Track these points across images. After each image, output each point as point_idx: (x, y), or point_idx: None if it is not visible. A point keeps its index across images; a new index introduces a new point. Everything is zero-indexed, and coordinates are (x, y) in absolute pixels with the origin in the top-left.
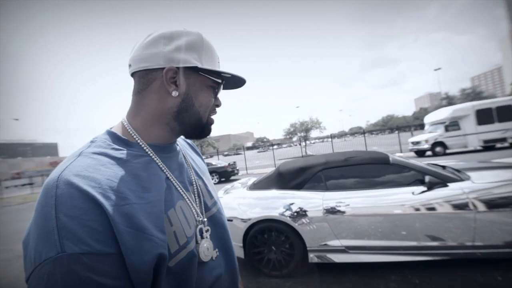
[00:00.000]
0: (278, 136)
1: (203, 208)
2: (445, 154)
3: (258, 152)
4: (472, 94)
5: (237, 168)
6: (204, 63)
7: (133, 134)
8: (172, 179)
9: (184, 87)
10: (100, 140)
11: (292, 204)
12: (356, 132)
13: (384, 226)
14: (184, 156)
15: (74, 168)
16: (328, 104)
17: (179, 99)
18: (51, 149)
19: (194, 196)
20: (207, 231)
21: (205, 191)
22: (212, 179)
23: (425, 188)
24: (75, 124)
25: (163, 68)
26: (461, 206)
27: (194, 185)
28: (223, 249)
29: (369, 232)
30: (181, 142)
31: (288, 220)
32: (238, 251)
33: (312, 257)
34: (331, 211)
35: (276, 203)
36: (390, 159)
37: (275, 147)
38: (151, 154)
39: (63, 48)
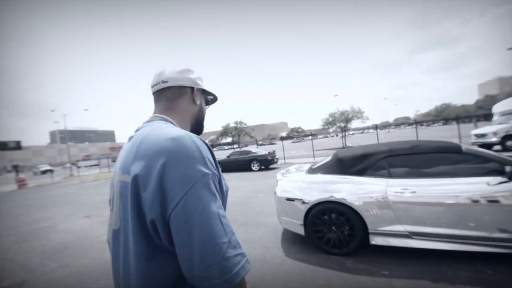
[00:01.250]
0: (313, 126)
1: None
2: None
3: (293, 142)
4: None
5: (277, 157)
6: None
7: (177, 126)
8: None
9: (199, 100)
10: (169, 123)
11: (354, 188)
12: (402, 122)
13: (453, 215)
14: None
15: (187, 132)
16: (370, 92)
17: (198, 107)
18: (109, 136)
19: None
20: None
21: None
22: (253, 166)
23: (504, 179)
24: (128, 115)
25: (191, 87)
26: None
27: None
28: None
29: (436, 220)
30: None
31: (352, 203)
32: (299, 229)
33: (374, 239)
34: (396, 197)
35: (338, 187)
36: (463, 148)
37: (310, 137)
38: None
39: (129, 47)
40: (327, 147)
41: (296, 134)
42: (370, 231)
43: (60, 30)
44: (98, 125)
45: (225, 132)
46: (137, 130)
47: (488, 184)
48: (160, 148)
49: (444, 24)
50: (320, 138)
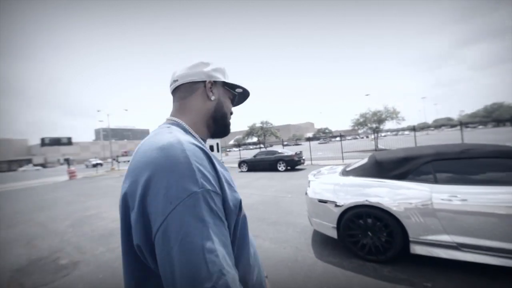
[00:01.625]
0: (341, 127)
1: None
2: None
3: (319, 143)
4: None
5: (303, 157)
6: (227, 80)
7: (187, 128)
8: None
9: (217, 95)
10: (174, 127)
11: (394, 193)
12: (443, 124)
13: (509, 227)
14: None
15: (183, 137)
16: (406, 91)
17: (214, 103)
18: (145, 134)
19: None
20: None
21: None
22: (279, 166)
23: None
24: (159, 114)
25: (204, 81)
26: None
27: None
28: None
29: (489, 231)
30: None
31: (390, 208)
32: (331, 231)
33: (415, 249)
34: (442, 204)
35: (375, 190)
36: None
37: (337, 139)
38: (203, 143)
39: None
40: (357, 149)
41: (323, 135)
42: (411, 239)
43: (101, 37)
44: (135, 123)
45: (251, 132)
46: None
47: None
48: (147, 160)
49: (498, 12)
50: (348, 139)
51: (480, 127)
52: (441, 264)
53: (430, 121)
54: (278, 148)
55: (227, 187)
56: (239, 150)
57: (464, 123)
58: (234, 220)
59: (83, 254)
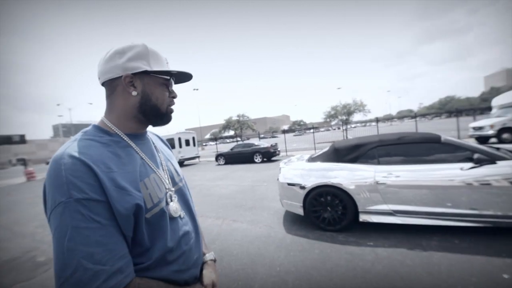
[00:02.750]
0: (315, 119)
1: (171, 182)
2: None
3: (294, 135)
4: None
5: (279, 149)
6: (153, 67)
7: (112, 127)
8: (145, 159)
9: (140, 87)
10: (89, 131)
11: (348, 174)
12: (405, 115)
13: (432, 195)
14: (154, 145)
15: (74, 147)
16: (373, 84)
17: (138, 97)
18: None
19: (164, 172)
20: (175, 197)
21: (174, 171)
22: (256, 158)
23: (473, 165)
24: None
25: (121, 76)
26: (507, 182)
27: (164, 165)
28: (188, 213)
29: (416, 200)
30: (153, 136)
31: (345, 187)
32: (299, 210)
33: (363, 217)
34: (382, 181)
35: (334, 173)
36: (442, 138)
37: (312, 131)
38: (127, 141)
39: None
40: (329, 140)
41: (298, 127)
42: (359, 210)
43: (63, 24)
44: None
45: (227, 125)
46: None
47: (461, 169)
48: (47, 171)
49: (452, 14)
50: (322, 131)
51: (436, 118)
52: (382, 227)
53: (394, 112)
54: (255, 141)
55: (116, 192)
56: (216, 144)
57: (420, 115)
58: (132, 220)
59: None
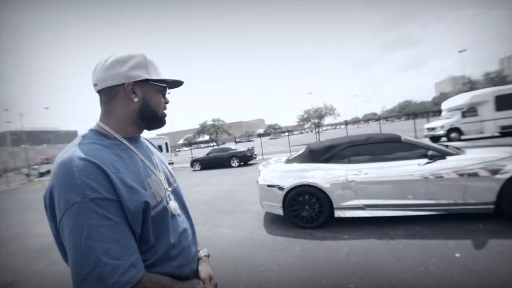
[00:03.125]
0: (290, 123)
1: (167, 183)
2: (459, 140)
3: (270, 139)
4: (496, 79)
5: (255, 153)
6: (152, 75)
7: (110, 131)
8: (144, 160)
9: (141, 94)
10: (88, 135)
11: (323, 173)
12: (370, 118)
13: (395, 189)
14: (148, 148)
15: (81, 150)
16: (342, 89)
17: (139, 103)
18: (72, 136)
19: (161, 174)
20: (172, 197)
21: (168, 172)
22: (233, 162)
23: (428, 160)
24: (90, 113)
25: (123, 84)
26: (456, 174)
27: (159, 167)
28: (184, 211)
29: (383, 194)
30: (144, 141)
31: (320, 185)
32: (278, 210)
33: (337, 213)
34: (353, 178)
35: (310, 173)
36: (402, 138)
37: (286, 134)
38: (127, 144)
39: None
40: (303, 143)
41: (273, 131)
42: (334, 207)
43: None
44: (59, 124)
45: (202, 130)
46: None
47: (418, 164)
48: (52, 174)
49: (408, 27)
50: (296, 134)
51: (397, 120)
52: (354, 221)
53: (361, 115)
54: (231, 145)
55: (126, 192)
56: (190, 149)
57: (383, 118)
58: (141, 217)
59: (19, 273)
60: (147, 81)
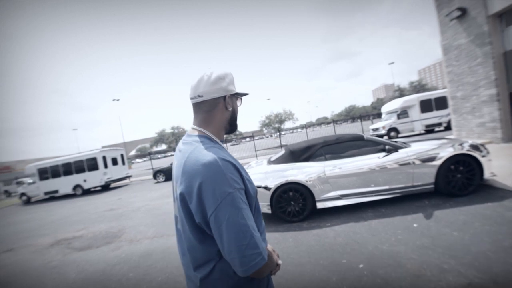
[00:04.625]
0: (250, 128)
1: None
2: (397, 137)
3: (232, 145)
4: (418, 86)
5: None
6: (237, 90)
7: (213, 137)
8: None
9: (231, 105)
10: (204, 140)
11: (304, 171)
12: (323, 122)
13: (363, 179)
14: None
15: (217, 153)
16: (296, 96)
17: (231, 112)
18: None
19: None
20: None
21: None
22: None
23: (386, 154)
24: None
25: (223, 96)
26: (405, 163)
27: None
28: None
29: (354, 184)
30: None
31: (304, 182)
32: (266, 209)
33: (319, 205)
34: (330, 173)
35: (293, 171)
36: (365, 137)
37: (247, 139)
38: (224, 146)
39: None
40: (266, 147)
41: (234, 137)
42: (316, 199)
43: None
44: None
45: (160, 139)
46: (184, 143)
47: (378, 158)
48: (196, 172)
49: (346, 40)
50: (257, 139)
51: (344, 123)
52: (333, 210)
53: (314, 119)
54: None
55: (248, 183)
56: (150, 159)
57: (335, 121)
58: (254, 202)
59: None
60: (234, 94)
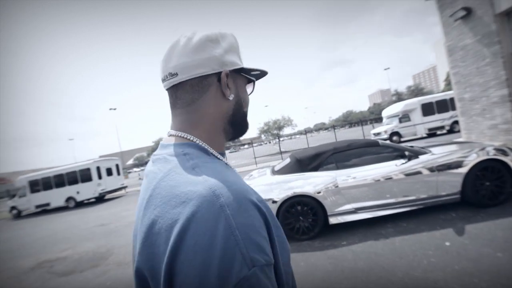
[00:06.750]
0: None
1: None
2: (400, 142)
3: (230, 152)
4: (415, 91)
5: None
6: (243, 63)
7: (204, 145)
8: None
9: (234, 89)
10: (191, 151)
11: (313, 182)
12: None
13: (380, 189)
14: None
15: (214, 177)
16: (294, 102)
17: (233, 102)
18: None
19: None
20: None
21: None
22: None
23: (405, 161)
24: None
25: (217, 73)
26: (428, 170)
27: None
28: None
29: (370, 195)
30: None
31: (314, 194)
32: None
33: (332, 220)
34: (343, 184)
35: (301, 182)
36: (380, 142)
37: (245, 146)
38: (227, 162)
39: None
40: (265, 154)
41: (232, 144)
42: (328, 214)
43: None
44: None
45: (157, 147)
46: (154, 160)
47: (396, 165)
48: (170, 227)
49: (342, 48)
50: (255, 146)
51: (342, 128)
52: (346, 226)
53: (312, 125)
54: None
55: (279, 245)
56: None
57: (333, 126)
58: (286, 281)
59: None
60: (240, 71)
